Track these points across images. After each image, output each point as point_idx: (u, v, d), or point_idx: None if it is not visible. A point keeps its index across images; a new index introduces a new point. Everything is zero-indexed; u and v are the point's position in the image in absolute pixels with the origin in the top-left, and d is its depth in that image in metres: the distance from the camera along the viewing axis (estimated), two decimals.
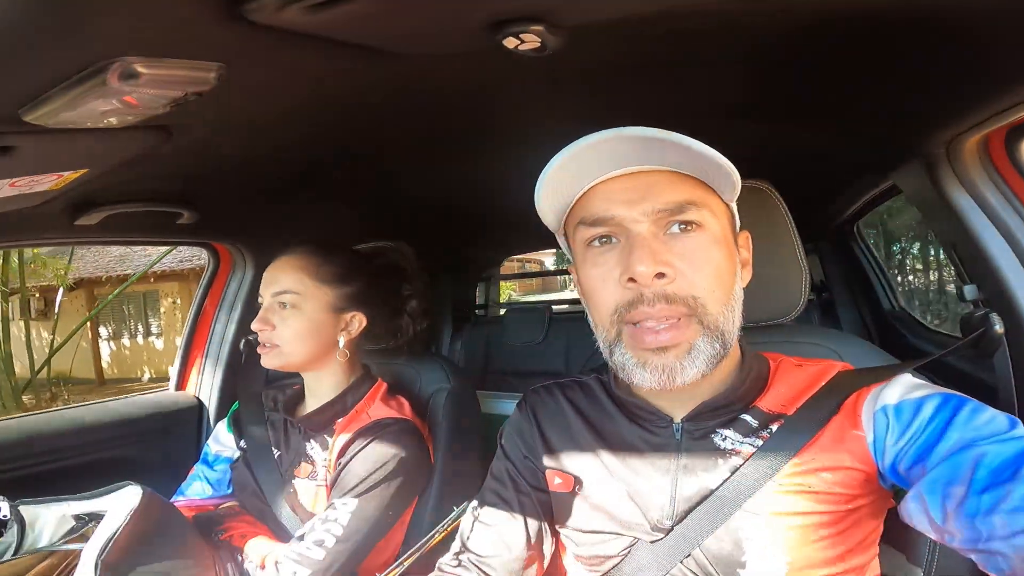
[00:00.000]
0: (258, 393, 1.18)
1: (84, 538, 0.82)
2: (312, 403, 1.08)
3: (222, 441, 1.16)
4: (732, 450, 0.65)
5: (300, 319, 1.01)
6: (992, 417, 0.55)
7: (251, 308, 1.40)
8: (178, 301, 10.15)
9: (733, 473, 0.63)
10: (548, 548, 0.76)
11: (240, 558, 0.97)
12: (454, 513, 0.98)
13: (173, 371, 1.57)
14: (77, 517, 0.85)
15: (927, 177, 0.88)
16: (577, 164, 0.61)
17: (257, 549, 0.96)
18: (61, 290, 7.87)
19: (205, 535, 0.97)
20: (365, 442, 0.98)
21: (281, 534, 1.01)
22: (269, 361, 1.02)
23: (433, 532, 0.96)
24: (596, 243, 0.63)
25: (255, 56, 0.55)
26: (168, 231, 1.26)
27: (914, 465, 0.57)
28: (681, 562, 0.64)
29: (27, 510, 0.84)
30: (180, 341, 1.57)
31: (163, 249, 7.24)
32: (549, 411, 0.78)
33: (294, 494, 1.02)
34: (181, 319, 10.05)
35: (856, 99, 0.80)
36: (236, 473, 1.10)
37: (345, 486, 0.95)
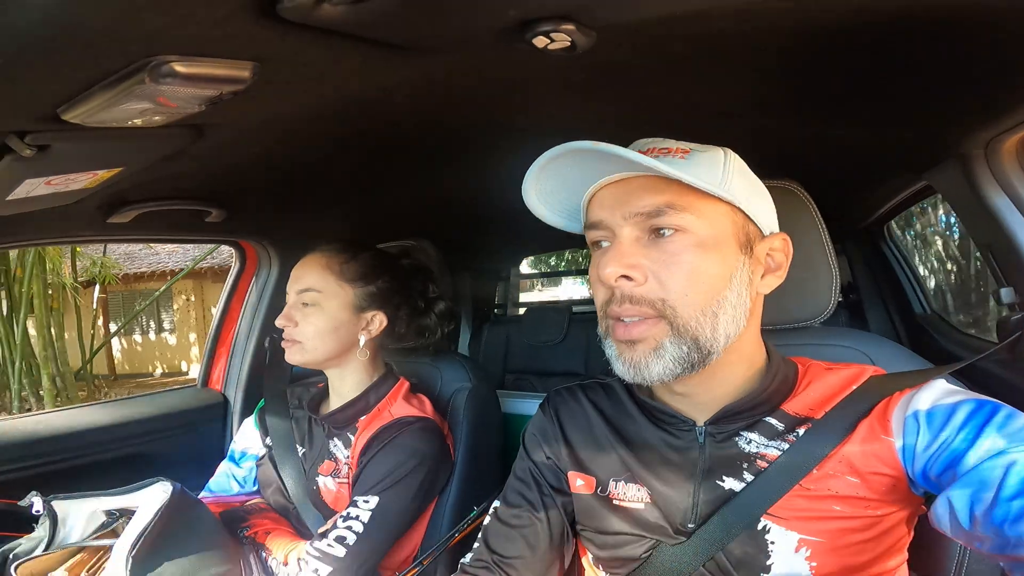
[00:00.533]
0: (283, 391, 1.20)
1: (115, 534, 0.83)
2: (335, 401, 1.09)
3: (249, 438, 1.18)
4: (757, 453, 0.64)
5: (321, 317, 1.02)
6: None
7: (276, 306, 1.41)
8: (191, 299, 10.34)
9: (757, 477, 0.62)
10: (569, 550, 0.75)
11: (264, 554, 0.98)
12: (474, 512, 0.98)
13: (198, 368, 1.60)
14: (108, 512, 0.87)
15: (964, 178, 0.86)
16: (580, 171, 0.64)
17: (280, 546, 0.97)
18: (97, 287, 8.10)
19: (230, 531, 0.99)
20: (387, 440, 0.98)
21: (304, 531, 1.02)
22: (291, 356, 1.04)
23: (453, 531, 0.97)
24: (597, 245, 0.66)
25: (286, 55, 0.55)
26: (197, 229, 1.28)
27: (945, 471, 0.55)
28: (703, 566, 0.63)
29: (59, 505, 0.86)
30: (206, 338, 1.60)
31: (207, 247, 7.43)
32: (572, 413, 0.77)
33: (317, 491, 1.03)
34: (194, 316, 10.25)
35: (893, 98, 0.78)
36: (261, 470, 1.11)
37: (367, 483, 0.95)
